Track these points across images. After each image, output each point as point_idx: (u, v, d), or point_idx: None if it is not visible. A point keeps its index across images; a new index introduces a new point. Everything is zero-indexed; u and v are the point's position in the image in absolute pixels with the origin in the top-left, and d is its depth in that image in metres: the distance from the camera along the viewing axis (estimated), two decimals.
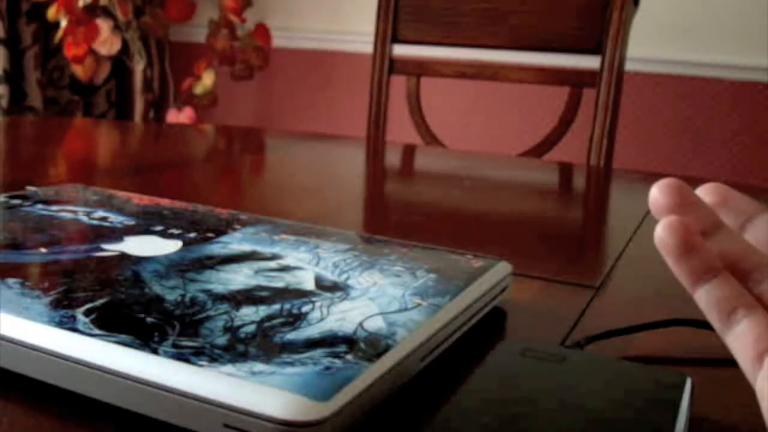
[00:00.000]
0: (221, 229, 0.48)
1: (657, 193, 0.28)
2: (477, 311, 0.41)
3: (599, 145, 1.18)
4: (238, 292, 0.38)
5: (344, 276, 0.41)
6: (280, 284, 0.39)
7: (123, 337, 0.32)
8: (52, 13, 2.13)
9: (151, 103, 2.40)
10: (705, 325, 0.34)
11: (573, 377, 0.34)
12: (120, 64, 2.44)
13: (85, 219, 0.50)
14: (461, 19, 1.28)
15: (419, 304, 0.38)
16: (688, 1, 2.03)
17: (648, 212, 0.67)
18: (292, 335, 0.33)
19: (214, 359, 0.30)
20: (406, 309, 0.37)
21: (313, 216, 0.65)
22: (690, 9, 2.02)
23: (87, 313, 0.34)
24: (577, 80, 1.22)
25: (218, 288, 0.38)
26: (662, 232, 0.28)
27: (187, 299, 0.36)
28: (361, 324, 0.35)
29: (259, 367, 0.30)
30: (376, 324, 0.35)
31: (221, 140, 1.21)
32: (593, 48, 1.20)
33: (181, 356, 0.31)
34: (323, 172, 0.94)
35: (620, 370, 0.34)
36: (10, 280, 0.38)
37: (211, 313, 0.35)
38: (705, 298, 0.28)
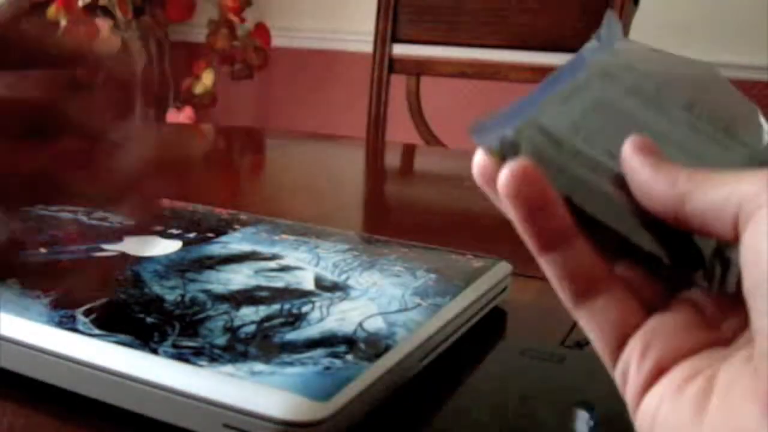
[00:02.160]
0: (221, 229, 0.48)
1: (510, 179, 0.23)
2: (477, 311, 0.41)
3: None
4: (238, 292, 0.38)
5: (344, 276, 0.41)
6: (280, 284, 0.39)
7: (123, 337, 0.32)
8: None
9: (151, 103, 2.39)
10: None
11: (573, 377, 0.34)
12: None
13: (84, 219, 0.50)
14: (461, 18, 1.28)
15: (419, 304, 0.38)
16: (687, 1, 2.03)
17: None
18: (292, 335, 0.33)
19: (214, 359, 0.30)
20: (406, 309, 0.37)
21: (313, 216, 0.65)
22: (689, 8, 2.02)
23: (87, 313, 0.34)
24: None
25: (218, 288, 0.38)
26: (513, 181, 0.23)
27: (186, 299, 0.36)
28: (360, 324, 0.35)
29: (259, 367, 0.30)
30: (376, 324, 0.35)
31: (221, 140, 1.21)
32: None
33: (181, 356, 0.31)
34: (323, 172, 0.94)
35: None
36: (10, 280, 0.38)
37: (211, 313, 0.35)
38: (556, 265, 0.24)
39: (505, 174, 0.23)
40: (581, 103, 0.25)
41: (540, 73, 1.26)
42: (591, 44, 0.28)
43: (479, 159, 0.24)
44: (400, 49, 1.31)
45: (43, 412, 0.32)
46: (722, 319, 0.23)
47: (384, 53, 1.30)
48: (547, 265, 0.24)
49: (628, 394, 0.23)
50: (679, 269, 0.24)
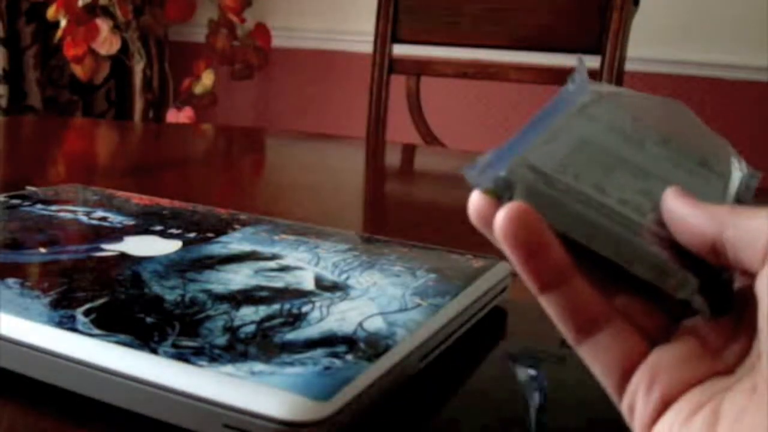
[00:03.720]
0: (221, 229, 0.48)
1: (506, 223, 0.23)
2: (477, 311, 0.41)
3: None
4: (238, 292, 0.38)
5: (344, 276, 0.41)
6: (279, 284, 0.39)
7: (123, 337, 0.32)
8: (51, 12, 2.13)
9: (151, 103, 2.40)
10: None
11: (573, 377, 0.34)
12: (119, 63, 2.44)
13: (84, 219, 0.50)
14: (461, 18, 1.28)
15: (419, 304, 0.38)
16: (688, 1, 2.02)
17: None
18: (291, 335, 0.33)
19: (213, 359, 0.30)
20: (406, 309, 0.37)
21: (313, 216, 0.65)
22: (690, 9, 2.02)
23: (87, 313, 0.34)
24: None
25: (218, 288, 0.38)
26: (509, 224, 0.23)
27: (186, 299, 0.36)
28: (360, 324, 0.35)
29: (259, 367, 0.30)
30: (376, 324, 0.35)
31: (221, 140, 1.21)
32: (593, 48, 1.19)
33: (181, 356, 0.31)
34: (323, 172, 0.94)
35: None
36: (10, 280, 0.38)
37: (211, 313, 0.35)
38: (557, 304, 0.24)
39: (501, 217, 0.23)
40: (566, 141, 0.27)
41: (540, 73, 1.26)
42: (567, 87, 0.29)
43: (475, 201, 0.25)
44: (400, 49, 1.31)
45: (43, 412, 0.32)
46: (723, 347, 0.24)
47: (384, 53, 1.30)
48: (547, 304, 0.25)
49: (637, 426, 0.24)
50: (676, 298, 0.24)
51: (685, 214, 0.24)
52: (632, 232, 0.24)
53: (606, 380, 0.25)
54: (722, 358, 0.23)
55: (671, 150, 0.27)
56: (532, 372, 0.32)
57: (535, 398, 0.32)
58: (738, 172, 0.28)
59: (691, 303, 0.24)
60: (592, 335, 0.24)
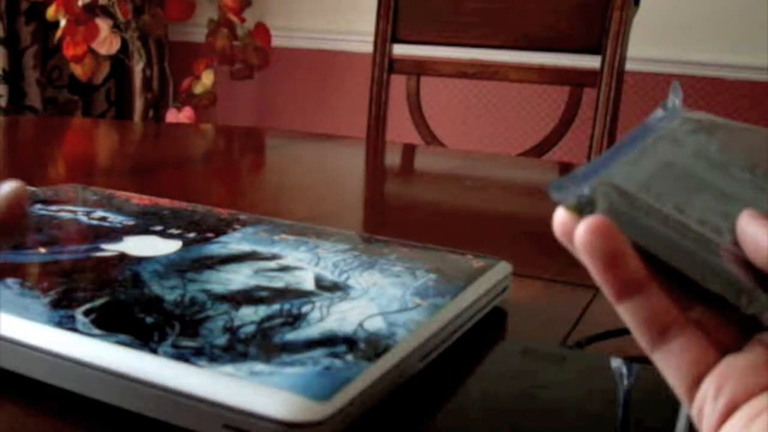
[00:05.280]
0: (221, 229, 0.48)
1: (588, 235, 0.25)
2: (477, 311, 0.41)
3: (599, 145, 1.18)
4: (238, 292, 0.38)
5: (344, 276, 0.41)
6: (279, 284, 0.39)
7: (122, 337, 0.32)
8: (51, 12, 2.13)
9: (151, 103, 2.39)
10: None
11: (573, 377, 0.34)
12: (119, 63, 2.44)
13: (84, 219, 0.50)
14: (461, 18, 1.28)
15: (419, 304, 0.38)
16: (688, 1, 2.02)
17: None
18: (291, 335, 0.33)
19: (213, 359, 0.30)
20: (406, 309, 0.37)
21: (313, 216, 0.65)
22: (690, 8, 2.02)
23: (86, 313, 0.34)
24: (577, 80, 1.22)
25: (218, 288, 0.38)
26: (589, 235, 0.25)
27: (186, 299, 0.36)
28: (361, 324, 0.35)
29: (258, 367, 0.30)
30: (376, 324, 0.35)
31: (221, 140, 1.21)
32: (593, 48, 1.19)
33: (180, 356, 0.31)
34: (323, 172, 0.94)
35: None
36: (10, 280, 0.38)
37: (211, 313, 0.35)
38: (633, 313, 0.26)
39: (581, 229, 0.25)
40: (650, 164, 0.28)
41: (540, 73, 1.26)
42: (657, 113, 0.30)
43: (559, 216, 0.26)
44: (400, 49, 1.31)
45: (43, 412, 0.32)
46: None
47: (384, 53, 1.30)
48: (624, 312, 0.26)
49: (704, 429, 0.25)
50: (747, 313, 0.25)
51: (759, 234, 0.25)
52: (708, 250, 0.25)
53: (677, 386, 0.26)
54: None
55: (757, 176, 0.28)
56: (622, 365, 0.33)
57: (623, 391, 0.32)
58: None
59: (761, 318, 0.25)
60: (666, 343, 0.26)
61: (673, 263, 0.25)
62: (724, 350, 0.26)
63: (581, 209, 0.26)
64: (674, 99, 0.30)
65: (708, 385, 0.25)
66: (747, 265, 0.25)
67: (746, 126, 0.31)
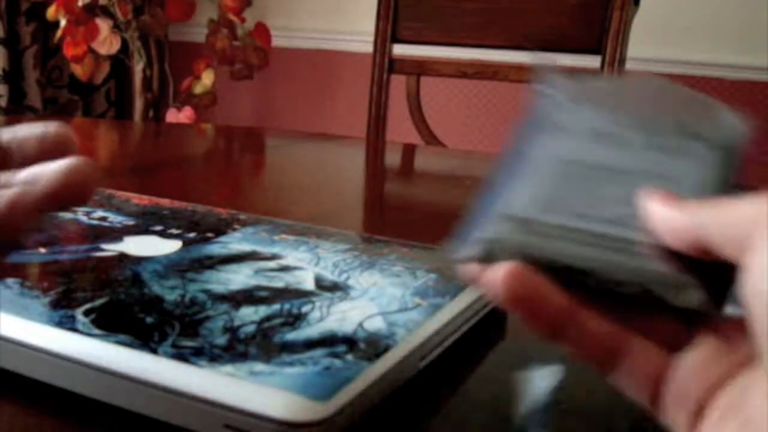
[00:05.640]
0: (221, 229, 0.48)
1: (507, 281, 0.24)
2: (477, 311, 0.41)
3: None
4: (238, 292, 0.38)
5: (344, 276, 0.41)
6: (279, 284, 0.39)
7: (122, 337, 0.32)
8: (51, 12, 2.13)
9: (151, 103, 2.40)
10: None
11: (573, 377, 0.34)
12: (119, 63, 2.44)
13: (84, 219, 0.50)
14: (461, 18, 1.28)
15: (419, 304, 0.38)
16: (688, 1, 2.03)
17: None
18: (291, 335, 0.33)
19: (213, 359, 0.30)
20: (406, 309, 0.37)
21: (313, 216, 0.65)
22: (690, 9, 2.02)
23: (86, 313, 0.34)
24: None
25: (218, 288, 0.38)
26: (507, 285, 0.24)
27: (186, 299, 0.36)
28: (361, 324, 0.35)
29: (259, 367, 0.30)
30: (376, 324, 0.35)
31: (221, 140, 1.21)
32: (593, 48, 1.19)
33: (180, 356, 0.31)
34: (323, 172, 0.94)
35: None
36: (10, 280, 0.38)
37: (211, 313, 0.35)
38: (572, 346, 0.25)
39: (492, 285, 0.24)
40: (546, 173, 0.26)
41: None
42: (538, 104, 0.28)
43: (469, 273, 0.25)
44: (400, 49, 1.31)
45: (43, 412, 0.32)
46: (741, 338, 0.23)
47: (384, 53, 1.30)
48: (568, 349, 0.25)
49: None
50: (677, 305, 0.24)
51: (663, 217, 0.24)
52: (624, 251, 0.24)
53: (642, 402, 0.25)
54: (741, 351, 0.23)
55: (651, 133, 0.26)
56: (544, 368, 0.32)
57: (540, 394, 0.32)
58: (732, 128, 0.27)
59: (695, 306, 0.24)
60: (616, 365, 0.25)
61: (591, 279, 0.24)
62: (675, 348, 0.24)
63: (487, 259, 0.24)
64: (548, 78, 0.28)
65: (668, 393, 0.24)
66: (669, 252, 0.24)
67: (625, 80, 0.28)
